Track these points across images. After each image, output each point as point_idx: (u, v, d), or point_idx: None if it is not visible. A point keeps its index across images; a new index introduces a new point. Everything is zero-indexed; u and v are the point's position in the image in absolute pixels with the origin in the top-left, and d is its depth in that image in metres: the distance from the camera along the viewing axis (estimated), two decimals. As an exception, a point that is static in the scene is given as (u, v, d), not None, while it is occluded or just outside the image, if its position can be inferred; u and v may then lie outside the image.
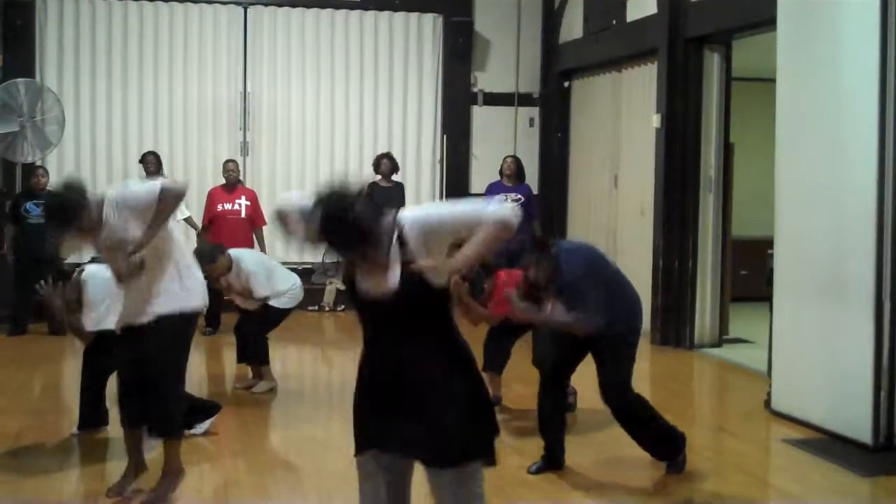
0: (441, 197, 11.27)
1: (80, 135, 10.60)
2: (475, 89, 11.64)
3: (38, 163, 9.82)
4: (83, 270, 5.64)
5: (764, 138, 7.41)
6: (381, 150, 10.72)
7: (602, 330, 4.79)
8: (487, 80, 11.66)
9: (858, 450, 5.59)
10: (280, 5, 11.13)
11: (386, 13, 11.36)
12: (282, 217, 3.16)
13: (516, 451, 5.42)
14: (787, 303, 6.41)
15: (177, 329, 4.56)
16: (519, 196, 9.17)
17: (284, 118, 11.18)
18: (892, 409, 5.60)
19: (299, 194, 3.11)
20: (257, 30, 11.09)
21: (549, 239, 6.29)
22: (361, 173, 10.21)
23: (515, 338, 6.41)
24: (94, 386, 5.73)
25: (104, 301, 5.46)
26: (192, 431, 5.57)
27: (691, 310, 8.77)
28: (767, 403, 6.54)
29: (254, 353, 7.00)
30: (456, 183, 11.41)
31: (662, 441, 5.10)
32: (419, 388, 2.92)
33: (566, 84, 11.30)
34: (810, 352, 6.11)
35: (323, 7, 11.20)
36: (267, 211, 10.13)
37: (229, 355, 8.55)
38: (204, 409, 5.74)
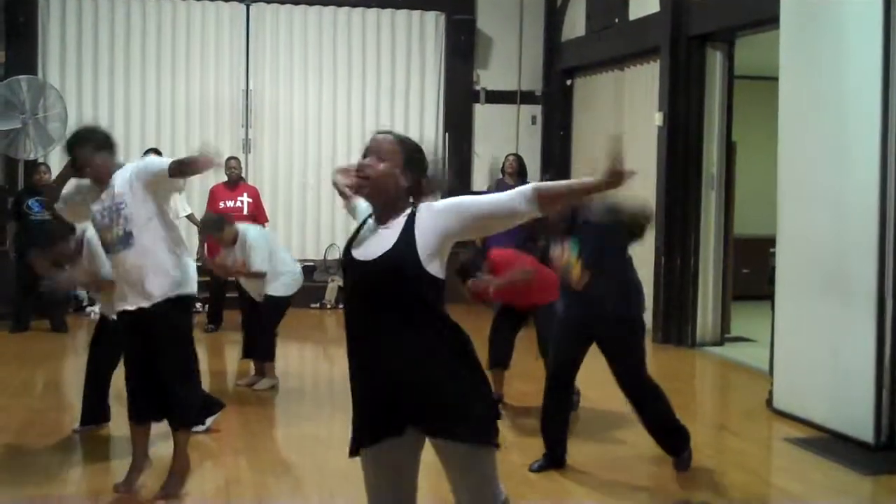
0: (443, 195, 11.26)
1: (83, 132, 10.60)
2: (477, 87, 11.64)
3: (41, 160, 9.81)
4: (74, 230, 5.62)
5: (766, 137, 7.41)
6: (383, 147, 10.70)
7: (609, 314, 4.87)
8: (490, 77, 11.66)
9: (860, 448, 5.59)
10: (282, 2, 11.13)
11: (388, 11, 11.36)
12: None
13: (518, 449, 5.41)
14: (789, 301, 6.41)
15: (175, 316, 4.58)
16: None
17: (286, 115, 11.18)
18: (893, 408, 5.59)
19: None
20: (260, 27, 11.09)
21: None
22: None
23: (518, 328, 6.45)
24: (97, 381, 5.73)
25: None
26: (195, 429, 5.56)
27: (693, 308, 8.77)
28: (769, 402, 6.54)
29: (262, 349, 7.00)
30: (458, 181, 11.39)
31: (673, 433, 5.11)
32: (407, 369, 2.83)
33: (568, 82, 11.29)
34: (812, 350, 6.10)
35: (325, 4, 11.21)
36: (269, 208, 10.15)
37: (231, 352, 8.57)
38: (208, 405, 5.72)
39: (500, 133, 11.51)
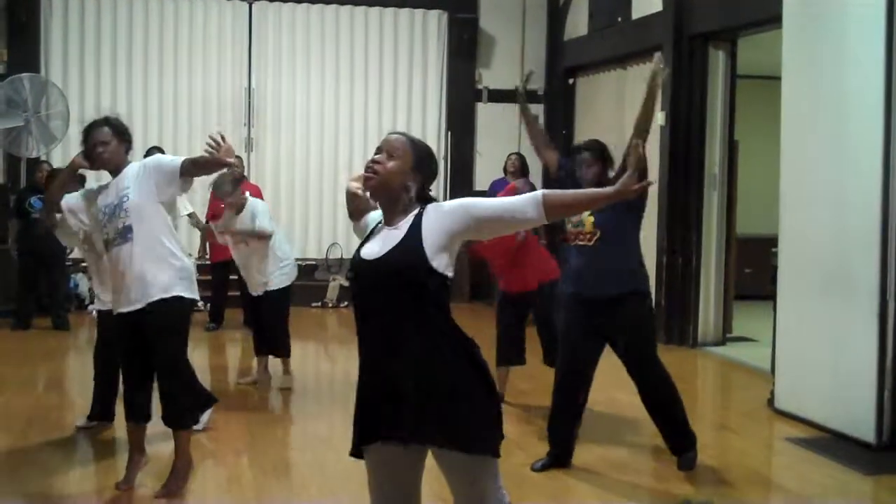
0: (445, 194, 11.27)
1: (85, 130, 10.61)
2: (480, 86, 11.64)
3: (43, 158, 9.83)
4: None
5: (768, 136, 7.41)
6: (385, 146, 10.72)
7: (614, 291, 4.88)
8: (492, 76, 11.66)
9: (861, 448, 5.59)
10: (285, 1, 11.14)
11: (391, 9, 11.36)
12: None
13: (519, 448, 5.41)
14: (791, 301, 6.40)
15: (173, 315, 4.56)
16: (523, 194, 9.16)
17: (289, 114, 11.20)
18: (895, 408, 5.59)
19: None
20: (262, 25, 11.10)
21: None
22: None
23: (524, 319, 6.46)
24: (104, 377, 5.72)
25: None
26: (193, 427, 5.55)
27: (695, 308, 8.77)
28: (771, 402, 6.54)
29: (283, 346, 6.99)
30: (460, 179, 11.41)
31: (681, 427, 5.11)
32: (411, 371, 2.83)
33: (571, 81, 11.29)
34: (814, 350, 6.10)
35: (328, 3, 11.22)
36: (271, 206, 10.12)
37: (232, 351, 8.58)
38: (201, 400, 5.65)
39: (503, 132, 11.50)
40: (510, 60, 11.62)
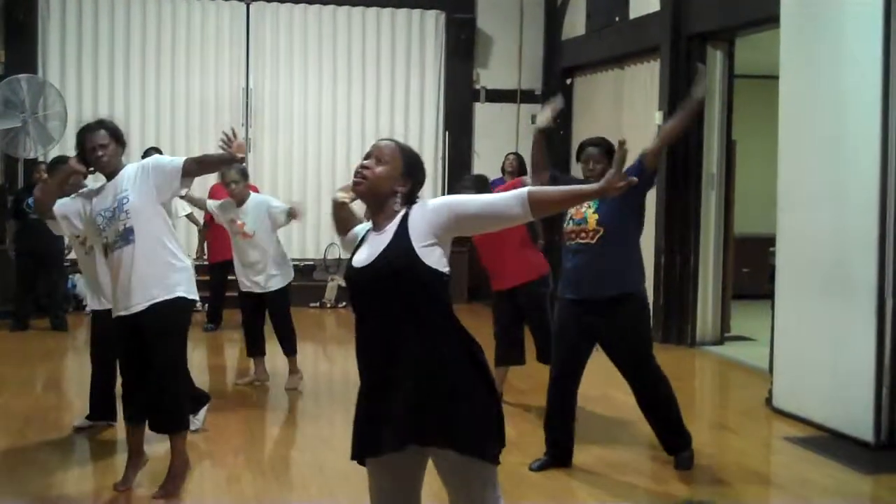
0: (443, 194, 11.27)
1: (82, 131, 10.60)
2: (477, 86, 11.64)
3: (40, 158, 9.81)
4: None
5: (766, 136, 7.40)
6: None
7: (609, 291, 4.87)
8: (489, 76, 11.66)
9: (860, 448, 5.59)
10: (283, 1, 11.14)
11: (388, 10, 11.36)
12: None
13: (517, 448, 5.40)
14: (789, 300, 6.41)
15: (173, 316, 4.56)
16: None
17: (286, 114, 11.19)
18: (893, 407, 5.59)
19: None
20: (259, 26, 11.10)
21: None
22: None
23: (520, 317, 6.44)
24: (101, 377, 5.71)
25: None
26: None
27: (693, 307, 8.77)
28: (769, 401, 6.54)
29: (290, 343, 6.98)
30: (458, 179, 11.38)
31: (675, 426, 5.11)
32: (411, 372, 2.82)
33: (568, 81, 11.28)
34: (812, 349, 6.10)
35: (325, 3, 11.21)
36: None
37: (230, 352, 8.58)
38: (195, 400, 5.61)
39: (500, 132, 11.51)
40: (508, 60, 11.62)
